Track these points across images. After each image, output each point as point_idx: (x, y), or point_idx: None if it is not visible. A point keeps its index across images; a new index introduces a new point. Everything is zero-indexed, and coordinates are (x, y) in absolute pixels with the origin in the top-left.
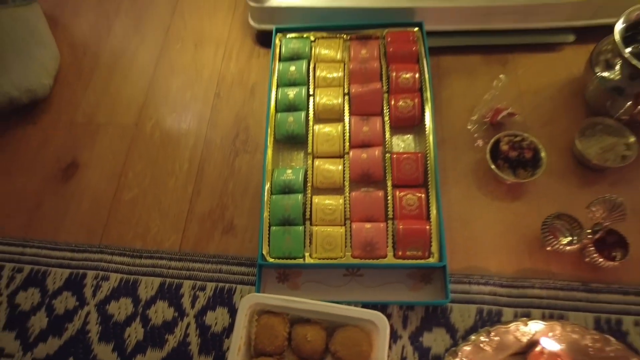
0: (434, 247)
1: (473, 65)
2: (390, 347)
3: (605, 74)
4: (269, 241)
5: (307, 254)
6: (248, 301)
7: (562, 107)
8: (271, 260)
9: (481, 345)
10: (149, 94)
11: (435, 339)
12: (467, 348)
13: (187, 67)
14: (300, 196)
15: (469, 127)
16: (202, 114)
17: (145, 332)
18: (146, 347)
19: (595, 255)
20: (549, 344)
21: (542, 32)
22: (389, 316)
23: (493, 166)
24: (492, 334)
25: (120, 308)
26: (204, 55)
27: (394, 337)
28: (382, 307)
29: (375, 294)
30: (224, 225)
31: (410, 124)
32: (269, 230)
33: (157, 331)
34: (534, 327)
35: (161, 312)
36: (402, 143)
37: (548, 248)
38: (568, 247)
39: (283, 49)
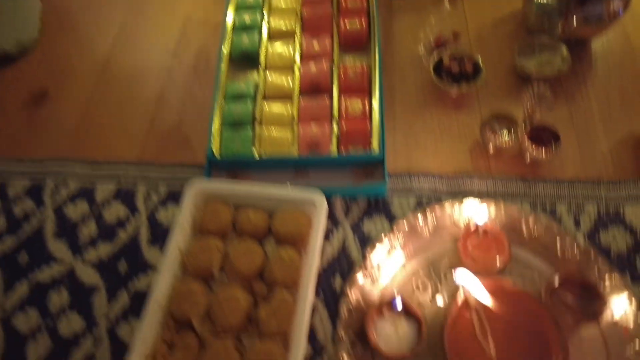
0: (375, 144)
1: (423, 3)
2: (331, 233)
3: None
4: (219, 143)
5: (255, 152)
6: (193, 187)
7: (505, 35)
8: (219, 156)
9: (418, 226)
10: (120, 29)
11: (375, 225)
12: (404, 227)
13: (155, 7)
14: (250, 102)
15: (419, 52)
16: (167, 46)
17: (99, 230)
18: (98, 242)
19: (531, 145)
20: (484, 223)
21: None
22: (333, 207)
23: (435, 79)
24: (428, 213)
25: (77, 209)
26: None
27: (336, 224)
28: (327, 200)
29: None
30: (180, 139)
31: (359, 43)
32: (220, 133)
33: (110, 228)
34: (470, 206)
35: (115, 212)
36: (353, 61)
37: (489, 147)
38: (506, 141)
39: None
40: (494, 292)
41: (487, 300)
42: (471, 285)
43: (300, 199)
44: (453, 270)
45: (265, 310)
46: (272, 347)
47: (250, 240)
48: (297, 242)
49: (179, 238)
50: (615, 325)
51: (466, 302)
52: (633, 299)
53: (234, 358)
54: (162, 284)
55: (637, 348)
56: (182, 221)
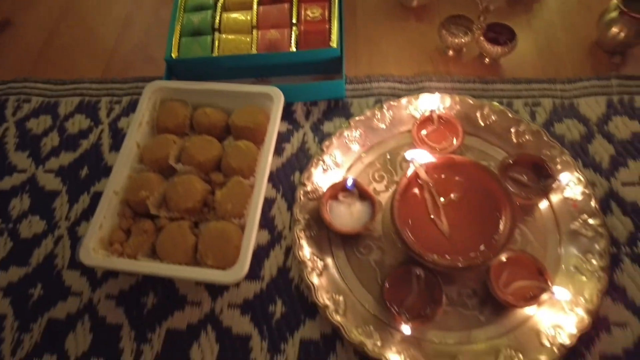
0: (334, 43)
1: None
2: (292, 135)
3: None
4: (178, 50)
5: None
6: (151, 86)
7: None
8: (175, 57)
9: (375, 120)
10: None
11: (335, 126)
12: (361, 121)
13: None
14: (210, 12)
15: None
16: None
17: (61, 140)
18: (60, 152)
19: (486, 43)
20: (439, 110)
21: None
22: (293, 112)
23: None
24: (385, 108)
25: (39, 123)
26: None
27: (296, 127)
28: (287, 106)
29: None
30: (145, 56)
31: None
32: (179, 41)
33: (72, 138)
34: (426, 99)
35: (78, 123)
36: None
37: (449, 50)
38: (464, 41)
39: None
40: (444, 165)
41: (437, 175)
42: (421, 161)
43: (258, 93)
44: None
45: (221, 193)
46: (227, 225)
47: (207, 135)
48: (255, 136)
49: (136, 133)
50: (565, 200)
51: (416, 177)
52: (582, 177)
53: (189, 238)
54: (118, 175)
55: (585, 220)
56: (139, 118)
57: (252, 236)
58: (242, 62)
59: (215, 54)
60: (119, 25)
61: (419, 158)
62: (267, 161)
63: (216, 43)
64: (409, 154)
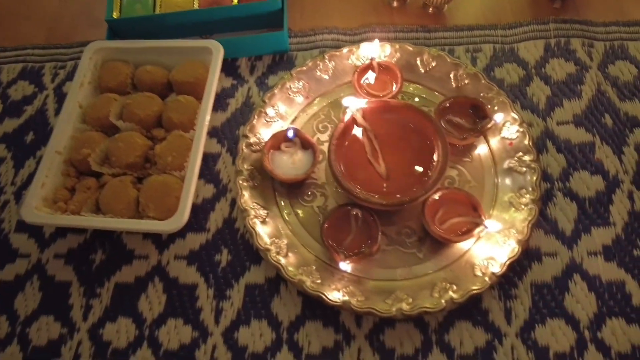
0: None
1: None
2: (236, 90)
3: None
4: (120, 11)
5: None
6: (92, 46)
7: None
8: (116, 16)
9: (318, 71)
10: None
11: (283, 77)
12: (303, 71)
13: None
14: None
15: None
16: None
17: (4, 107)
18: (3, 119)
19: None
20: (380, 59)
21: None
22: (237, 67)
23: None
24: (327, 58)
25: None
26: None
27: (241, 82)
28: (232, 61)
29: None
30: (90, 21)
31: None
32: (121, 2)
33: (15, 105)
34: (366, 48)
35: (21, 90)
36: None
37: (391, 2)
38: None
39: None
40: (380, 109)
41: (375, 119)
42: (358, 106)
43: (197, 47)
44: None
45: (161, 147)
46: (168, 178)
47: (149, 92)
48: (196, 90)
49: (77, 93)
50: (502, 140)
51: (354, 122)
52: (517, 116)
53: (131, 192)
54: (59, 135)
55: (520, 157)
56: (80, 78)
57: (192, 186)
58: (184, 18)
59: (157, 12)
60: None
61: (356, 103)
62: (207, 113)
63: (158, 2)
64: (346, 100)
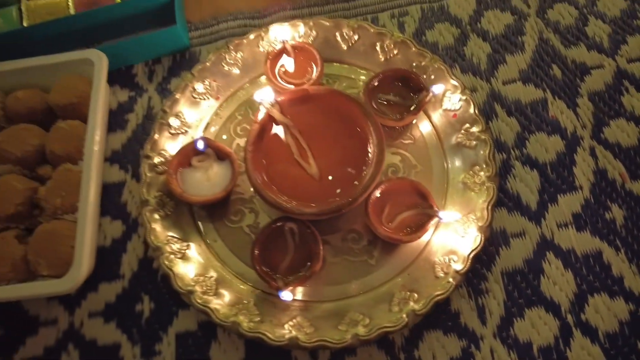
0: None
1: None
2: (134, 102)
3: None
4: None
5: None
6: None
7: None
8: None
9: (224, 65)
10: None
11: (183, 79)
12: (207, 68)
13: None
14: None
15: None
16: None
17: None
18: None
19: None
20: (292, 42)
21: None
22: (133, 76)
23: None
24: (233, 49)
25: None
26: None
27: (139, 92)
28: (127, 69)
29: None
30: None
31: None
32: None
33: None
34: (277, 30)
35: None
36: None
37: None
38: None
39: None
40: (300, 99)
41: (296, 113)
42: (272, 99)
43: (75, 60)
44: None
45: (46, 188)
46: (59, 225)
47: (25, 124)
48: (83, 111)
49: None
50: (444, 113)
51: (271, 119)
52: (457, 83)
53: (16, 249)
54: None
55: (467, 129)
56: None
57: (87, 229)
58: (58, 28)
59: (25, 25)
60: None
61: (270, 97)
62: (94, 135)
63: (25, 13)
64: (257, 95)
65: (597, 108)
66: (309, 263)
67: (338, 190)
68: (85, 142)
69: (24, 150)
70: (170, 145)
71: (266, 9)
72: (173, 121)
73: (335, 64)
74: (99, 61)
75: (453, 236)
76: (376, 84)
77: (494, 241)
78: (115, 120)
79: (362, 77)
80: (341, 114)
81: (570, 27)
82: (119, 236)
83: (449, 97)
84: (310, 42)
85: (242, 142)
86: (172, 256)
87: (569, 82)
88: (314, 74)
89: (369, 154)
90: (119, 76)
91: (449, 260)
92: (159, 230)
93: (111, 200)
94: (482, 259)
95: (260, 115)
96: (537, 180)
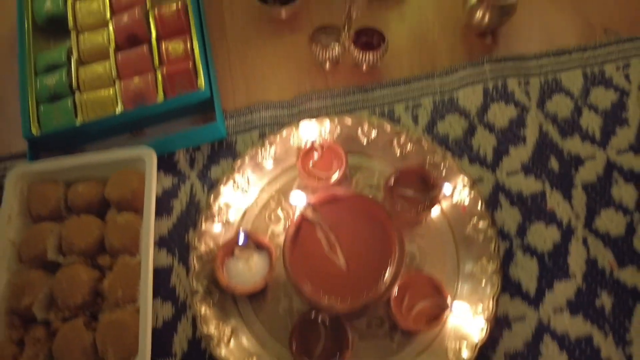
0: (201, 82)
1: None
2: (178, 189)
3: None
4: (38, 122)
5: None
6: (15, 172)
7: None
8: (36, 133)
9: (260, 158)
10: None
11: (223, 170)
12: (245, 163)
13: None
14: (64, 70)
15: None
16: None
17: None
18: None
19: (358, 53)
20: (320, 139)
21: None
22: (175, 163)
23: (260, 4)
24: (268, 144)
25: None
26: None
27: (182, 179)
28: (169, 157)
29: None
30: (5, 125)
31: None
32: (37, 110)
33: None
34: (306, 127)
35: None
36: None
37: (325, 63)
38: (335, 56)
39: None
40: (329, 201)
41: (326, 212)
42: (307, 203)
43: (128, 158)
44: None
45: (108, 280)
46: (122, 315)
47: (85, 215)
48: (134, 203)
49: (6, 230)
50: (455, 206)
51: (304, 220)
52: (466, 179)
53: (85, 337)
54: None
55: (475, 223)
56: (7, 212)
57: (147, 322)
58: (109, 122)
59: (79, 118)
60: None
61: (303, 200)
62: (149, 235)
63: (78, 105)
64: (293, 198)
65: (589, 198)
66: (338, 353)
67: (364, 283)
68: (141, 237)
69: (86, 242)
70: (214, 234)
71: (294, 100)
72: (216, 211)
73: (356, 154)
74: (150, 159)
75: (463, 323)
76: (393, 181)
77: (498, 323)
78: (161, 206)
79: (381, 168)
80: (367, 215)
81: (567, 119)
82: (169, 318)
83: (459, 191)
84: (335, 136)
85: (276, 228)
86: (220, 343)
87: (565, 173)
88: (339, 172)
89: (392, 254)
90: (162, 162)
91: (460, 346)
92: (208, 317)
93: (161, 283)
94: (487, 342)
95: (296, 215)
96: (535, 267)
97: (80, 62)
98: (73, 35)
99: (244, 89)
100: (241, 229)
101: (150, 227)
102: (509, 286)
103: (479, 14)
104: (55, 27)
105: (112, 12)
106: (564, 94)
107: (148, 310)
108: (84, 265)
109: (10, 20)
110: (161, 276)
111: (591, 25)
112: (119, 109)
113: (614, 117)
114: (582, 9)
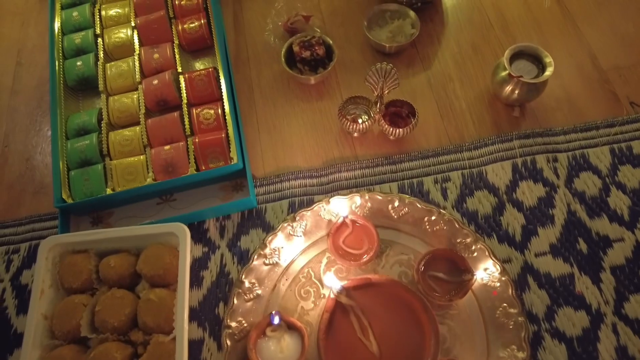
0: (233, 153)
1: None
2: (208, 259)
3: None
4: (69, 187)
5: (109, 190)
6: (46, 244)
7: (357, 3)
8: (70, 200)
9: (290, 233)
10: None
11: (252, 240)
12: (276, 238)
13: None
14: (95, 135)
15: (267, 37)
16: (4, 84)
17: None
18: None
19: (387, 126)
20: (351, 215)
21: None
22: (205, 231)
23: (290, 71)
24: (298, 219)
25: None
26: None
27: (212, 249)
28: (199, 225)
29: (191, 217)
30: (34, 186)
31: (204, 44)
32: (68, 175)
33: None
34: (337, 202)
35: None
36: (201, 65)
37: (353, 133)
38: (364, 127)
39: None
40: (363, 287)
41: (359, 296)
42: (340, 287)
43: (162, 233)
44: (326, 274)
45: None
46: None
47: (117, 289)
48: (166, 278)
49: (39, 303)
50: (486, 288)
51: (337, 303)
52: (498, 264)
53: None
54: None
55: (505, 309)
56: (40, 285)
57: None
58: (140, 191)
59: (110, 186)
60: None
61: (337, 284)
62: (184, 314)
63: (108, 172)
64: (327, 281)
65: (618, 282)
66: None
67: None
68: (175, 317)
69: (119, 320)
70: (245, 311)
71: (323, 168)
72: (247, 288)
73: (386, 229)
74: (184, 236)
75: None
76: (424, 265)
77: None
78: (191, 277)
79: (411, 244)
80: (401, 301)
81: (595, 198)
82: None
83: (490, 274)
84: (366, 210)
85: (305, 304)
86: None
87: (594, 255)
88: (371, 253)
89: (428, 348)
90: (192, 230)
91: None
92: None
93: (192, 356)
94: None
95: (330, 300)
96: (564, 353)
97: (111, 126)
98: (103, 97)
99: (272, 155)
100: (273, 311)
101: (185, 306)
102: None
103: (508, 88)
104: (85, 88)
105: (143, 75)
106: (591, 172)
107: None
108: (117, 342)
109: (37, 74)
110: (192, 349)
111: (617, 97)
112: (149, 177)
113: None
114: (609, 82)
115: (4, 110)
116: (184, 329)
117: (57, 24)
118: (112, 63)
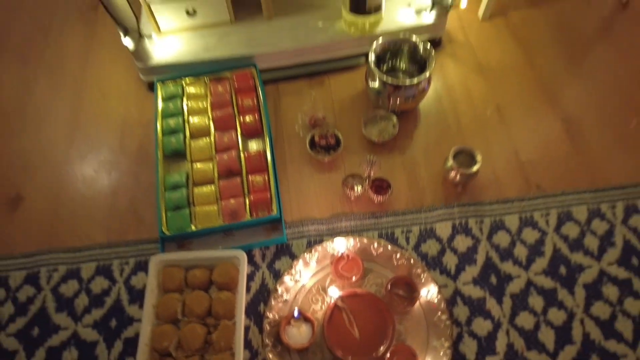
0: (274, 207)
1: (301, 88)
2: (254, 274)
3: (372, 84)
4: (166, 223)
5: (193, 227)
6: (154, 260)
7: (359, 107)
8: (168, 233)
9: (307, 259)
10: (72, 136)
11: (283, 264)
12: (298, 264)
13: (98, 115)
14: (185, 190)
15: (297, 129)
16: (113, 145)
17: (90, 300)
18: (91, 309)
19: (373, 194)
20: (347, 251)
21: (343, 59)
22: (253, 256)
23: (311, 152)
24: (313, 251)
25: (69, 287)
26: (110, 104)
27: (257, 268)
28: (249, 252)
29: (245, 247)
30: (136, 220)
31: (257, 132)
32: (165, 215)
33: (98, 297)
34: (338, 241)
35: (99, 284)
36: (255, 145)
37: (351, 196)
38: (358, 192)
39: (163, 93)
40: (352, 295)
41: (349, 302)
42: (338, 295)
43: (229, 256)
44: (330, 287)
45: (215, 335)
46: (223, 357)
47: (198, 291)
48: (231, 285)
49: (150, 297)
50: (428, 302)
51: (336, 306)
52: (436, 287)
53: None
54: (145, 331)
55: (439, 315)
56: (151, 286)
57: None
58: (213, 230)
59: (194, 224)
60: (108, 190)
61: (336, 294)
62: (242, 308)
63: (193, 215)
64: (330, 292)
65: (513, 304)
66: None
67: (370, 348)
68: (236, 310)
69: (200, 309)
70: (278, 309)
71: (330, 218)
72: (279, 295)
73: (369, 262)
74: (243, 259)
75: None
76: (390, 285)
77: None
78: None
79: (384, 272)
80: (374, 306)
81: (505, 249)
82: (246, 359)
83: (431, 294)
84: (356, 249)
85: (315, 306)
86: None
87: (500, 286)
88: (358, 275)
89: (389, 332)
90: None
91: None
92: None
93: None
94: None
95: (332, 302)
96: (475, 346)
97: (194, 184)
98: (188, 164)
99: (297, 208)
100: (296, 308)
101: (242, 303)
102: (457, 357)
103: (452, 174)
104: (177, 157)
105: (216, 151)
106: (505, 231)
107: (240, 355)
108: (199, 324)
109: (135, 143)
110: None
111: (528, 181)
112: (220, 221)
113: (536, 249)
114: (524, 170)
115: (114, 162)
116: (242, 318)
117: (159, 108)
118: (195, 140)
